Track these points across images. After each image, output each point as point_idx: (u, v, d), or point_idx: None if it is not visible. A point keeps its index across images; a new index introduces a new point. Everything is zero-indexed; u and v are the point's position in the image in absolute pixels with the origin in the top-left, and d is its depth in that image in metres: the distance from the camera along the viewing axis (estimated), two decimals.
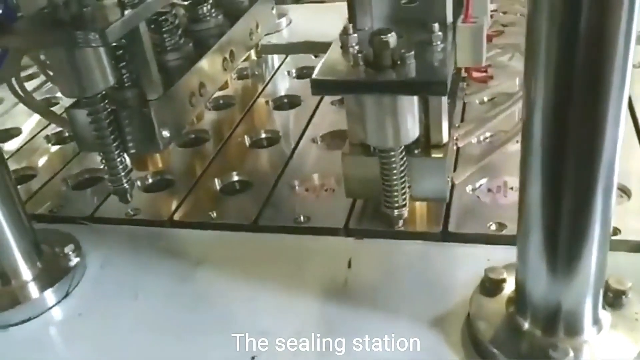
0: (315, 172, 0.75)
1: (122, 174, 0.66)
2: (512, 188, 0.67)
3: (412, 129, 0.56)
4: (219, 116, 0.92)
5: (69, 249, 0.63)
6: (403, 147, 0.58)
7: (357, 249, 0.61)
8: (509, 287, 0.51)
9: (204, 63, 0.76)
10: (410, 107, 0.55)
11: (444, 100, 0.60)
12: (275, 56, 1.07)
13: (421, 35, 0.57)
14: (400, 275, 0.58)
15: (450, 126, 0.64)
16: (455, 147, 0.69)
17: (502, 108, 0.68)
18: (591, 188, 0.40)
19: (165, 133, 0.67)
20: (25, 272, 0.61)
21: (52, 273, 0.62)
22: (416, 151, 0.61)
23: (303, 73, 1.01)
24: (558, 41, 0.37)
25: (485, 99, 0.82)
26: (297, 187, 0.73)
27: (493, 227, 0.61)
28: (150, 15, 0.68)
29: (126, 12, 0.60)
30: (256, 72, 1.03)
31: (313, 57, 1.04)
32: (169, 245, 0.67)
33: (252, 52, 0.94)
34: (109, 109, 0.63)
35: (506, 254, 0.55)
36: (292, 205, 0.69)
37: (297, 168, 0.76)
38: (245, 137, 0.85)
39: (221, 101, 0.95)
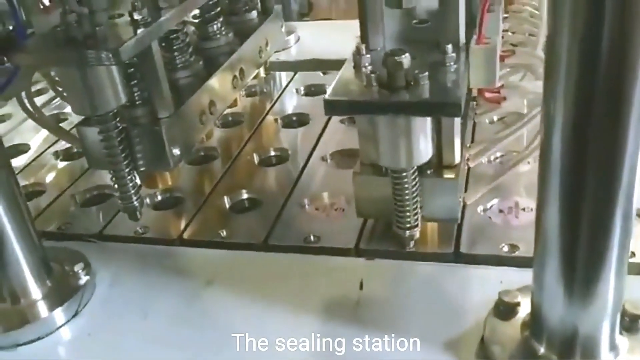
0: (325, 191, 0.74)
1: (132, 191, 0.66)
2: (524, 209, 0.67)
3: (425, 150, 0.56)
4: (227, 134, 0.92)
5: (78, 267, 0.63)
6: (416, 172, 0.58)
7: (368, 270, 0.61)
8: (524, 311, 0.50)
9: (214, 81, 0.76)
10: (423, 128, 0.55)
11: (457, 120, 0.60)
12: (284, 73, 1.08)
13: (433, 55, 0.57)
14: (412, 297, 0.58)
15: (462, 146, 0.64)
16: (466, 167, 0.68)
17: (514, 128, 0.67)
18: (610, 212, 0.40)
19: (176, 151, 0.67)
20: (35, 291, 0.61)
21: (62, 291, 0.61)
22: (428, 172, 0.60)
23: (311, 91, 1.02)
24: (579, 59, 0.37)
25: (495, 119, 0.82)
26: (307, 206, 0.73)
27: (505, 248, 0.61)
28: (162, 34, 0.68)
29: (139, 30, 0.61)
30: (264, 90, 1.03)
31: (321, 75, 1.04)
32: (178, 264, 0.66)
33: (261, 69, 0.95)
34: (120, 127, 0.63)
35: (520, 276, 0.55)
36: (302, 225, 0.69)
37: (306, 187, 0.76)
38: (254, 155, 0.84)
39: (230, 118, 0.95)
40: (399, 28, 0.65)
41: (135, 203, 0.67)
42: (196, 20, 0.87)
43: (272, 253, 0.66)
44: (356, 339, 0.54)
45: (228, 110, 0.91)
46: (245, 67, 0.85)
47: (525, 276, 0.54)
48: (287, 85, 1.04)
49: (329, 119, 0.89)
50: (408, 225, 0.60)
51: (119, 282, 0.64)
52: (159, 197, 0.78)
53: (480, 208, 0.67)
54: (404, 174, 0.57)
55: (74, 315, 0.60)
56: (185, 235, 0.70)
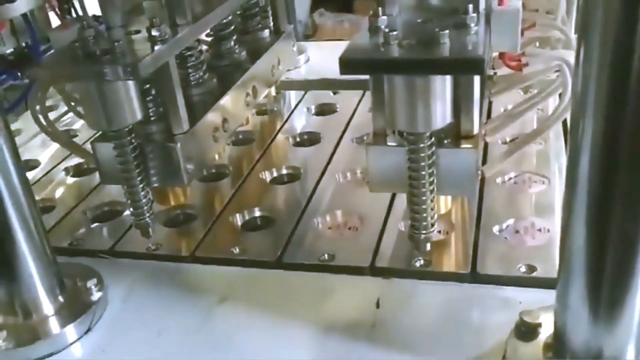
0: (338, 209, 0.74)
1: (145, 207, 0.66)
2: (540, 230, 0.66)
3: (443, 114, 0.53)
4: (239, 152, 0.92)
5: (91, 283, 0.62)
6: (433, 139, 0.55)
7: (385, 289, 0.60)
8: (546, 332, 0.50)
9: (228, 99, 0.76)
10: (442, 90, 0.53)
11: (476, 87, 0.58)
12: (294, 93, 1.08)
13: (451, 19, 0.55)
14: (430, 317, 0.57)
15: (481, 117, 0.62)
16: (483, 143, 0.67)
17: (532, 103, 0.66)
18: (638, 232, 0.40)
19: (190, 167, 0.67)
20: (47, 306, 0.60)
21: (74, 307, 0.61)
22: (445, 141, 0.58)
23: (322, 110, 1.02)
24: (608, 83, 0.37)
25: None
26: (320, 225, 0.72)
27: (523, 269, 0.60)
28: (180, 50, 0.68)
29: (157, 46, 0.61)
30: (275, 109, 1.03)
31: (332, 94, 1.05)
32: (190, 281, 0.66)
33: (272, 88, 0.95)
34: (135, 143, 0.64)
35: (538, 297, 0.55)
36: (316, 243, 0.69)
37: (319, 205, 0.76)
38: (266, 172, 0.84)
39: (240, 136, 0.95)
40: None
41: (148, 219, 0.67)
42: (209, 39, 0.88)
43: (286, 271, 0.65)
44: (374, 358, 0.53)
45: (239, 128, 0.91)
46: (258, 86, 0.86)
47: (543, 297, 0.54)
48: (297, 104, 1.04)
49: (341, 138, 0.89)
50: (423, 207, 0.57)
51: (131, 298, 0.64)
52: (171, 214, 0.78)
53: (496, 228, 0.66)
54: (421, 143, 0.55)
55: (87, 332, 0.60)
56: (198, 253, 0.70)
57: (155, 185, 0.67)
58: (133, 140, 0.63)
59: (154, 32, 0.62)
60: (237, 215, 0.75)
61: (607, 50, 0.36)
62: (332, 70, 1.11)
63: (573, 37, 0.64)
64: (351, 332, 0.56)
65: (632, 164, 0.38)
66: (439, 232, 0.60)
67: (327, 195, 0.78)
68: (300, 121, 0.99)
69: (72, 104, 0.79)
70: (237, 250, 0.69)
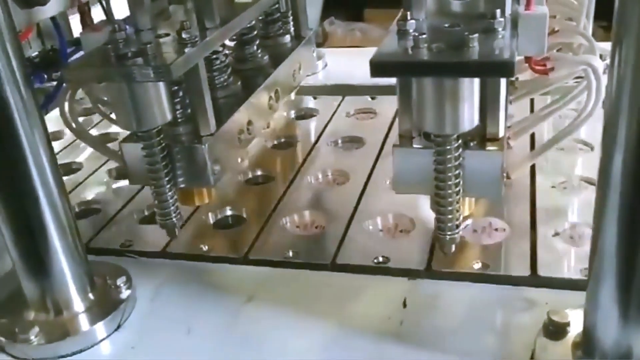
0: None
1: (172, 207, 0.67)
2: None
3: (470, 116, 0.54)
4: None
5: (120, 281, 0.63)
6: (460, 141, 0.56)
7: (411, 289, 0.61)
8: (574, 331, 0.50)
9: (252, 102, 0.77)
10: (470, 92, 0.53)
11: (503, 90, 0.59)
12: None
13: (478, 25, 0.55)
14: (456, 316, 0.58)
15: (506, 120, 0.63)
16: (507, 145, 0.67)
17: (556, 107, 0.67)
18: None
19: (216, 168, 0.68)
20: (78, 304, 0.61)
21: (104, 305, 0.62)
22: (471, 144, 0.59)
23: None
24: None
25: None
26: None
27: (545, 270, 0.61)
28: (209, 53, 0.69)
29: (187, 48, 0.62)
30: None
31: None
32: (218, 281, 0.66)
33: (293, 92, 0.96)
34: (163, 144, 0.65)
35: (564, 298, 0.56)
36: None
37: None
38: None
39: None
40: (438, 3, 0.64)
41: (174, 219, 0.67)
42: (232, 43, 0.89)
43: (312, 271, 0.66)
44: (401, 357, 0.54)
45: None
46: (280, 89, 0.87)
47: (570, 297, 0.55)
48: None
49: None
50: (449, 209, 0.58)
51: (159, 296, 0.64)
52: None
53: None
54: (448, 145, 0.56)
55: (116, 329, 0.61)
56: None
57: (182, 186, 0.68)
58: (162, 142, 0.64)
59: (184, 35, 0.63)
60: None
61: None
62: (350, 76, 1.14)
63: (595, 42, 0.65)
64: (379, 331, 0.57)
65: None
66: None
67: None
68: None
69: (101, 106, 0.80)
70: (291, 253, 0.69)
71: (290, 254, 0.69)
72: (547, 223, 0.68)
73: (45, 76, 0.88)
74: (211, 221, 0.78)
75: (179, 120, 0.69)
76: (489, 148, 0.59)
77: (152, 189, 0.67)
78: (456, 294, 0.61)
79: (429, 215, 0.68)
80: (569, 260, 0.63)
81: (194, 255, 0.71)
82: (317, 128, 0.99)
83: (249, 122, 0.77)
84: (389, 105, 1.00)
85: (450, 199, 0.58)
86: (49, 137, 0.58)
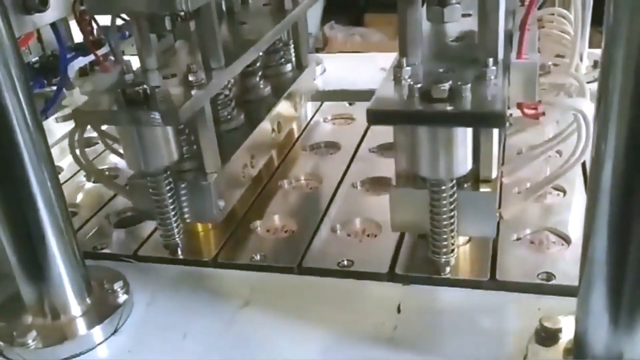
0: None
1: (175, 230, 0.69)
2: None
3: (464, 162, 0.56)
4: None
5: (117, 286, 0.64)
6: (454, 182, 0.58)
7: (405, 295, 0.62)
8: (565, 337, 0.51)
9: (255, 136, 0.79)
10: (464, 139, 0.56)
11: (496, 135, 0.60)
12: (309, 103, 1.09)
13: (472, 70, 0.58)
14: (450, 323, 0.58)
15: (499, 162, 0.64)
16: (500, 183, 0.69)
17: (548, 146, 0.69)
18: None
19: (221, 204, 0.69)
20: (75, 308, 0.61)
21: (101, 309, 0.62)
22: (465, 185, 0.61)
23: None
24: (632, 97, 0.38)
25: (524, 150, 0.83)
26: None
27: (541, 277, 0.62)
28: (214, 94, 0.71)
29: (193, 92, 0.63)
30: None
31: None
32: (214, 285, 0.67)
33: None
34: (170, 181, 0.66)
35: (557, 304, 0.56)
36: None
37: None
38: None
39: None
40: (435, 46, 0.66)
41: (177, 240, 0.69)
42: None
43: (308, 276, 0.67)
44: None
45: None
46: (283, 121, 0.88)
47: (561, 304, 0.55)
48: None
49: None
50: (444, 250, 0.61)
51: (156, 301, 0.65)
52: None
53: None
54: (443, 187, 0.57)
55: (113, 333, 0.61)
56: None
57: (188, 221, 0.70)
58: (169, 179, 0.66)
59: (191, 78, 0.65)
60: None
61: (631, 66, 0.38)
62: (349, 81, 1.15)
63: (586, 85, 0.67)
64: (373, 336, 0.57)
65: None
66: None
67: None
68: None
69: (109, 142, 0.81)
70: (258, 256, 0.70)
71: (258, 257, 0.70)
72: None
73: (45, 81, 0.89)
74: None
75: (186, 156, 0.70)
76: (482, 189, 0.61)
77: (158, 222, 0.69)
78: (448, 299, 0.61)
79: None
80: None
81: (163, 258, 0.72)
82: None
83: (252, 156, 0.78)
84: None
85: (444, 236, 0.60)
86: (48, 143, 0.58)
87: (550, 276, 0.61)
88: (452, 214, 0.59)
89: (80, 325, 0.61)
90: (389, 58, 0.69)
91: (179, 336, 0.60)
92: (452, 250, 0.61)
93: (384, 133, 0.87)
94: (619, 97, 0.39)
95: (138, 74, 0.68)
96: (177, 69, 0.70)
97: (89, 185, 0.91)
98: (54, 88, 0.90)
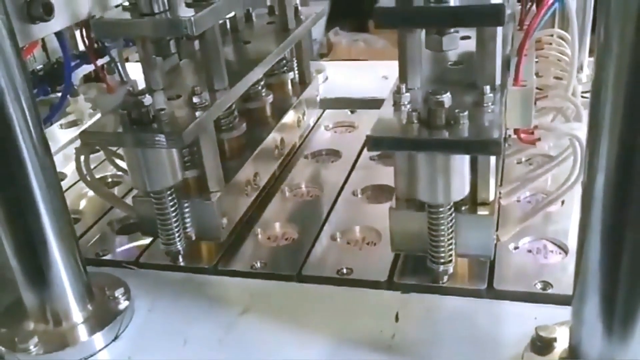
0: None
1: (176, 237, 0.69)
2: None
3: (462, 187, 0.58)
4: None
5: (119, 293, 0.64)
6: (452, 208, 0.59)
7: (404, 303, 0.62)
8: (560, 346, 0.51)
9: (258, 154, 0.80)
10: (461, 165, 0.57)
11: (493, 159, 0.61)
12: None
13: (470, 95, 0.59)
14: (448, 331, 0.59)
15: (496, 184, 0.65)
16: (498, 205, 0.70)
17: (546, 168, 0.69)
18: None
19: (224, 221, 0.70)
20: (77, 314, 0.62)
21: (102, 316, 0.63)
22: (463, 208, 0.62)
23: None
24: (624, 109, 0.39)
25: (523, 159, 0.84)
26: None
27: (538, 286, 0.62)
28: (218, 115, 0.71)
29: (197, 113, 0.64)
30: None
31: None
32: (214, 293, 0.68)
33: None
34: (174, 201, 0.67)
35: (553, 313, 0.56)
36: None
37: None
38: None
39: None
40: (435, 69, 0.67)
41: (179, 247, 0.70)
42: None
43: (307, 284, 0.67)
44: None
45: None
46: (286, 138, 0.89)
47: (558, 313, 0.56)
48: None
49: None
50: (442, 261, 0.61)
51: (157, 308, 0.66)
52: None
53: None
54: (441, 209, 0.59)
55: (114, 339, 0.62)
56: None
57: (193, 239, 0.71)
58: (174, 198, 0.67)
59: (195, 100, 0.66)
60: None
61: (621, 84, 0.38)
62: (350, 89, 1.15)
63: (582, 109, 0.68)
64: (371, 344, 0.58)
65: None
66: None
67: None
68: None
69: (116, 160, 0.82)
70: (258, 264, 0.71)
71: (258, 264, 0.70)
72: None
73: (49, 89, 0.90)
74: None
75: (189, 176, 0.71)
76: (479, 212, 0.62)
77: (163, 240, 0.69)
78: (446, 307, 0.61)
79: None
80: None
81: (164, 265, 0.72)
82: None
83: (256, 174, 0.79)
84: (367, 119, 1.01)
85: (442, 256, 0.61)
86: (51, 152, 0.59)
87: (547, 285, 0.62)
88: (451, 235, 0.61)
89: (82, 331, 0.62)
90: (391, 66, 0.70)
91: (179, 342, 0.61)
92: (450, 260, 0.62)
93: None
94: (610, 110, 0.40)
95: (143, 94, 0.69)
96: (182, 89, 0.71)
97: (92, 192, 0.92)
98: (59, 94, 0.91)
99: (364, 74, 1.18)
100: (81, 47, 0.93)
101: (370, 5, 0.58)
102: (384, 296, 0.64)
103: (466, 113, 0.55)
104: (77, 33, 0.85)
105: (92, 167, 0.82)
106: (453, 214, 0.60)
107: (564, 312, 0.51)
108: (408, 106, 0.59)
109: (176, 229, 0.68)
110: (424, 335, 0.58)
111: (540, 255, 0.68)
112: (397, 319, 0.60)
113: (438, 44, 0.61)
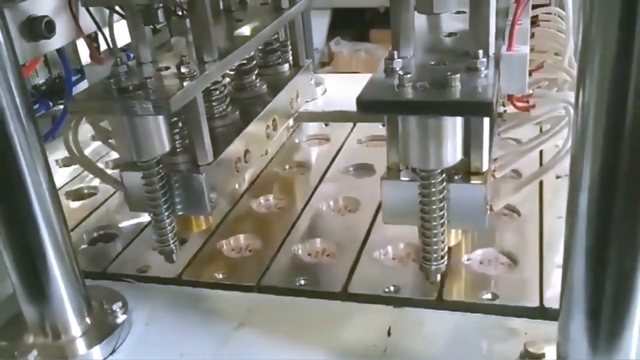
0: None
1: (170, 234, 0.69)
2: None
3: (454, 152, 0.57)
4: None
5: (116, 306, 0.65)
6: (444, 175, 0.58)
7: (396, 317, 0.63)
8: None
9: (249, 131, 0.80)
10: (453, 130, 0.56)
11: (486, 127, 0.61)
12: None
13: (464, 62, 0.58)
14: (439, 345, 0.59)
15: (490, 155, 0.65)
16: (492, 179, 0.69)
17: (539, 141, 0.69)
18: (635, 269, 0.42)
19: (213, 197, 0.70)
20: (75, 328, 0.63)
21: (100, 329, 0.64)
22: (456, 177, 0.61)
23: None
24: (606, 124, 0.40)
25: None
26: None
27: (528, 301, 0.63)
28: (207, 86, 0.72)
29: (185, 82, 0.64)
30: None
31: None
32: (210, 306, 0.69)
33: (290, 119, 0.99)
34: (162, 173, 0.67)
35: (543, 328, 0.57)
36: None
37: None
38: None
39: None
40: (428, 40, 0.67)
41: (172, 246, 0.70)
42: (232, 72, 0.92)
43: (300, 298, 0.68)
44: None
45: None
46: (278, 118, 0.89)
47: (548, 328, 0.56)
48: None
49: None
50: (435, 248, 0.60)
51: (154, 321, 0.67)
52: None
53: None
54: (432, 179, 0.58)
55: (112, 353, 0.63)
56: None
57: (180, 213, 0.71)
58: (160, 171, 0.67)
59: (183, 69, 0.66)
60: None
61: (604, 93, 0.39)
62: (349, 102, 1.15)
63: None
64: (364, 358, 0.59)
65: (628, 205, 0.41)
66: None
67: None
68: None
69: (104, 135, 0.83)
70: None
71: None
72: None
73: (51, 103, 0.91)
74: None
75: (178, 149, 0.71)
76: (472, 181, 0.61)
77: (151, 216, 0.69)
78: (438, 322, 0.62)
79: None
80: None
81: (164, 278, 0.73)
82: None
83: (246, 151, 0.79)
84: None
85: (435, 231, 0.60)
86: (50, 168, 0.60)
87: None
88: (442, 207, 0.59)
89: (80, 345, 0.63)
90: None
91: (175, 355, 0.62)
92: (443, 257, 0.61)
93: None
94: (592, 127, 0.41)
95: (131, 66, 0.69)
96: (171, 62, 0.70)
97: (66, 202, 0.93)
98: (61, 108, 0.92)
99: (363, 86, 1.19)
100: (83, 61, 0.94)
101: (372, 16, 0.58)
102: (376, 310, 0.65)
103: (458, 76, 0.54)
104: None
105: None
106: (445, 184, 0.59)
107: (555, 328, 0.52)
108: (400, 71, 0.58)
109: (165, 207, 0.68)
110: (415, 350, 0.59)
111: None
112: (389, 333, 0.61)
113: (428, 5, 0.61)
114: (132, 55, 0.90)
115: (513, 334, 0.58)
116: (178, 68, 0.66)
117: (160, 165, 0.67)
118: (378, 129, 0.98)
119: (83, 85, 0.93)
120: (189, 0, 0.69)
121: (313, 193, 0.88)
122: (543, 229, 0.74)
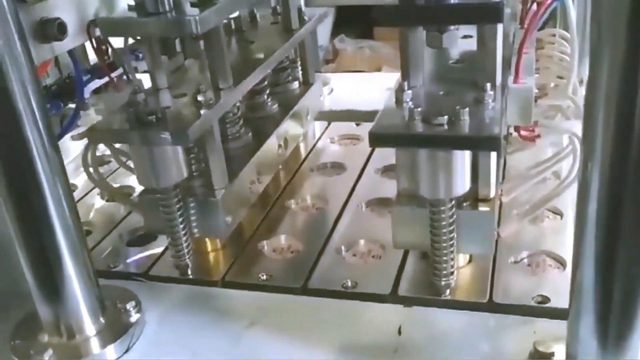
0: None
1: (185, 251, 0.72)
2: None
3: (463, 182, 0.59)
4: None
5: (130, 305, 0.66)
6: (454, 201, 0.60)
7: (407, 317, 0.64)
8: None
9: (262, 152, 0.81)
10: (462, 161, 0.58)
11: (494, 155, 0.63)
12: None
13: (471, 93, 0.60)
14: (450, 345, 0.60)
15: (497, 181, 0.66)
16: (499, 202, 0.71)
17: (546, 165, 0.71)
18: None
19: (229, 219, 0.72)
20: (89, 327, 0.64)
21: (114, 328, 0.65)
22: (464, 204, 0.63)
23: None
24: (615, 131, 0.41)
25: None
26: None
27: (537, 300, 0.64)
28: (223, 113, 0.73)
29: (202, 111, 0.66)
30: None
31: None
32: (222, 305, 0.69)
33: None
34: (179, 197, 0.69)
35: (552, 327, 0.58)
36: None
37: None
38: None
39: None
40: (437, 68, 0.68)
41: (187, 261, 0.72)
42: None
43: (312, 297, 0.69)
44: None
45: None
46: (289, 137, 0.91)
47: (557, 327, 0.57)
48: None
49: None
50: (444, 265, 0.62)
51: (167, 320, 0.67)
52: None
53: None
54: (442, 207, 0.60)
55: (126, 352, 0.64)
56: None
57: (197, 236, 0.73)
58: (178, 195, 0.69)
59: (200, 98, 0.67)
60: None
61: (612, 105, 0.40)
62: (355, 101, 1.17)
63: (582, 107, 0.69)
64: (374, 358, 0.60)
65: (635, 213, 0.42)
66: None
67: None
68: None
69: (123, 159, 0.84)
70: (264, 276, 0.72)
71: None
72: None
73: (62, 104, 0.92)
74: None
75: (194, 173, 0.73)
76: (481, 208, 0.63)
77: (168, 237, 0.71)
78: (448, 321, 0.63)
79: None
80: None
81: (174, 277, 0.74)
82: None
83: (259, 173, 0.81)
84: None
85: (445, 252, 0.62)
86: (65, 169, 0.61)
87: (545, 299, 0.63)
88: (452, 232, 0.61)
89: (94, 344, 0.63)
90: (395, 78, 0.71)
91: (188, 354, 0.63)
92: (452, 273, 0.64)
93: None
94: (601, 133, 0.41)
95: (149, 93, 0.71)
96: (187, 88, 0.72)
97: (102, 203, 0.93)
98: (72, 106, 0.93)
99: (368, 85, 1.20)
100: (92, 62, 0.95)
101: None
102: (387, 309, 0.66)
103: (467, 110, 0.55)
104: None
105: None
106: (454, 215, 0.61)
107: (563, 327, 0.53)
108: (410, 103, 0.60)
109: (182, 227, 0.70)
110: (425, 350, 0.60)
111: (539, 270, 0.69)
112: (399, 332, 0.62)
113: (438, 41, 0.62)
114: (140, 55, 0.92)
115: (522, 332, 0.59)
116: (194, 97, 0.67)
117: (178, 190, 0.69)
118: None
119: (93, 85, 0.94)
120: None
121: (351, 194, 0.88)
122: None
